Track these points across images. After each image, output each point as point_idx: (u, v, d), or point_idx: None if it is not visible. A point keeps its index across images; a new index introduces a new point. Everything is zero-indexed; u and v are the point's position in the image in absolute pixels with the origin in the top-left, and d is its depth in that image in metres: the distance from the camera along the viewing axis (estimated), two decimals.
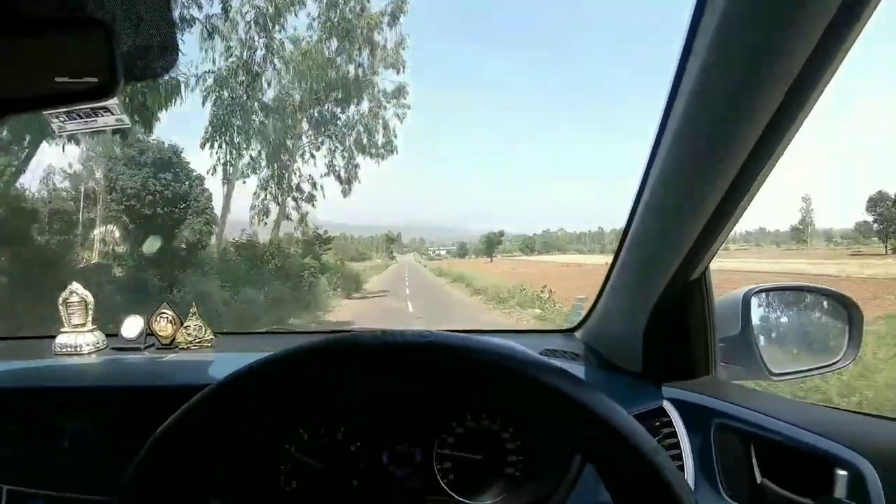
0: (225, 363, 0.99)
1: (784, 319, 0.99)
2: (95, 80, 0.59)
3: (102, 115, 0.90)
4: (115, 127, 0.91)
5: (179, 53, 0.73)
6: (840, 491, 0.64)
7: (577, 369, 0.99)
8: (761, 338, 0.93)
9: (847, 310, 0.97)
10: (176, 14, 0.67)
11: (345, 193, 10.86)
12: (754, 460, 0.77)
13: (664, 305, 0.86)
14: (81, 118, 0.91)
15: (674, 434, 0.84)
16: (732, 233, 0.79)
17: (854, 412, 0.82)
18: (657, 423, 0.84)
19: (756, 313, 0.93)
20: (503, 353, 0.47)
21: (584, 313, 1.12)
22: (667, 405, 0.86)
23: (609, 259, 0.98)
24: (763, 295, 0.95)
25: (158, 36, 0.72)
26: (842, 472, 0.64)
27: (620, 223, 0.90)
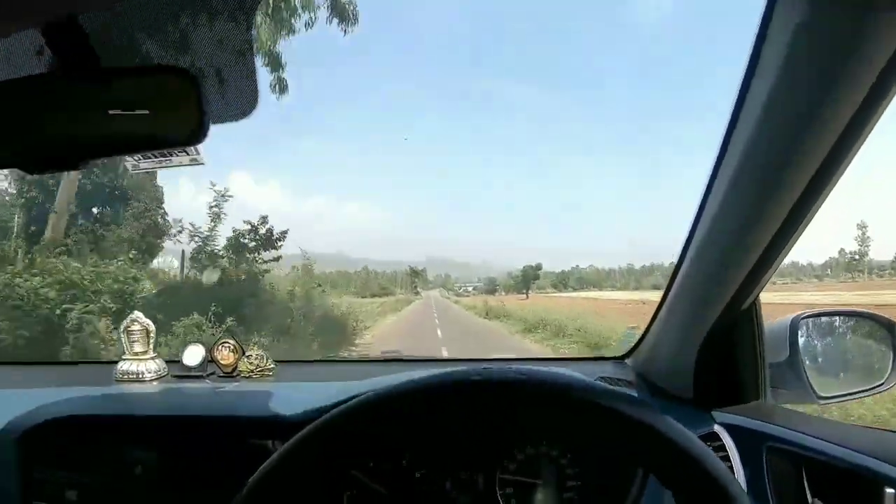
0: (286, 393, 1.02)
1: (830, 344, 1.01)
2: (179, 128, 0.62)
3: (177, 155, 0.93)
4: (189, 165, 0.94)
5: (259, 96, 0.77)
6: None
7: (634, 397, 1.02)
8: (808, 362, 0.95)
9: (891, 333, 0.99)
10: (257, 59, 0.71)
11: None
12: (806, 482, 0.79)
13: (716, 334, 0.89)
14: (156, 157, 0.94)
15: (727, 458, 0.86)
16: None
17: None
18: (710, 448, 0.87)
19: (803, 338, 0.96)
20: (597, 391, 0.51)
21: (634, 342, 1.14)
22: (719, 430, 0.89)
23: (649, 294, 1.01)
24: (809, 321, 0.97)
25: (241, 79, 0.75)
26: (891, 491, 0.67)
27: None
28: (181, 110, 0.60)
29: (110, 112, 0.60)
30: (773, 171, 0.67)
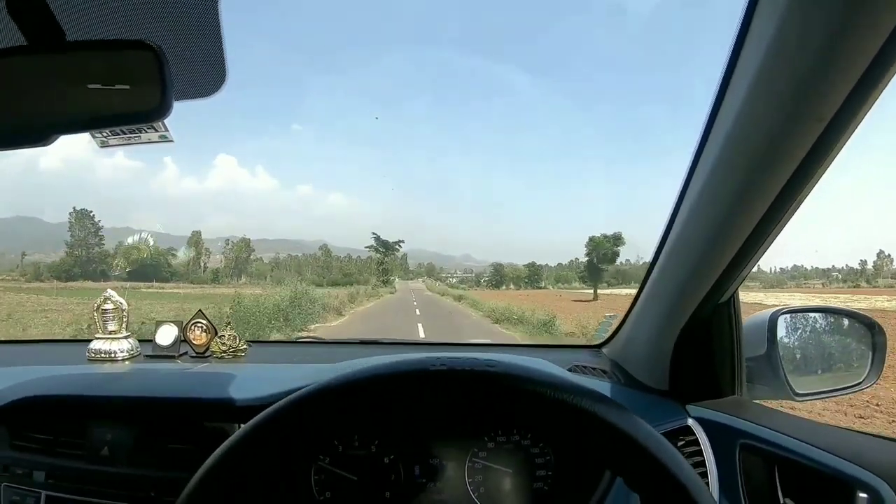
0: (257, 375, 1.01)
1: (809, 341, 1.00)
2: (144, 103, 0.60)
3: (146, 132, 0.91)
4: (158, 142, 0.92)
5: (227, 71, 0.74)
6: None
7: (604, 386, 1.01)
8: (786, 358, 0.94)
9: (871, 332, 0.98)
10: (224, 31, 0.69)
11: None
12: (778, 481, 0.78)
13: (693, 326, 0.88)
14: (125, 133, 0.92)
15: (699, 453, 0.85)
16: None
17: (876, 436, 0.83)
18: (682, 442, 0.86)
19: (782, 334, 0.95)
20: (561, 386, 0.50)
21: (611, 331, 1.13)
22: (692, 424, 0.88)
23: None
24: (789, 316, 0.96)
25: (207, 55, 0.73)
26: (862, 495, 0.66)
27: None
28: (145, 85, 0.58)
29: (76, 86, 0.59)
30: (752, 165, 0.66)
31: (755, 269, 0.84)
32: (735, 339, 0.90)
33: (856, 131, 0.62)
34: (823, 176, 0.68)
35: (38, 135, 0.61)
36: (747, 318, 0.95)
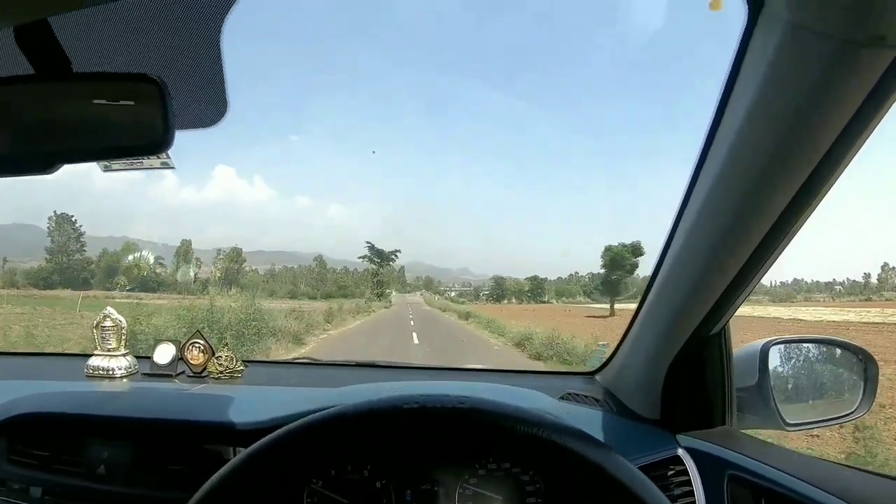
0: (253, 398, 1.01)
1: (801, 371, 1.01)
2: (146, 135, 0.61)
3: (148, 158, 0.94)
4: (160, 168, 0.94)
5: (228, 104, 0.76)
6: None
7: (596, 414, 1.02)
8: (778, 388, 0.95)
9: (863, 362, 0.99)
10: (225, 66, 0.71)
11: None
12: None
13: (685, 357, 0.88)
14: (128, 160, 0.95)
15: (688, 482, 0.86)
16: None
17: (863, 470, 0.84)
18: (672, 472, 0.86)
19: (774, 364, 0.95)
20: (544, 424, 0.51)
21: (604, 358, 1.14)
22: (682, 454, 0.88)
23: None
24: (781, 346, 0.97)
25: (208, 88, 0.75)
26: None
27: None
28: (149, 117, 0.60)
29: (80, 117, 0.61)
30: (747, 197, 0.67)
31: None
32: (725, 369, 0.91)
33: (844, 171, 0.63)
34: (816, 208, 0.69)
35: (43, 163, 0.61)
36: (739, 348, 0.95)
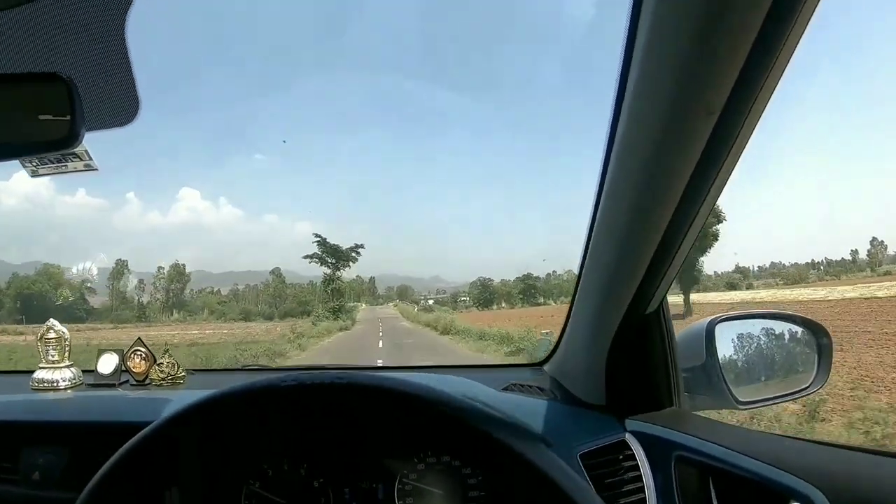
0: (191, 400, 1.00)
1: (751, 348, 0.99)
2: (57, 132, 0.62)
3: (72, 161, 0.94)
4: (84, 171, 0.94)
5: (140, 104, 0.76)
6: None
7: (540, 404, 0.99)
8: (728, 367, 0.93)
9: (816, 336, 0.96)
10: (136, 67, 0.72)
11: None
12: (713, 492, 0.77)
13: (623, 339, 0.86)
14: (52, 163, 0.95)
15: (636, 467, 0.84)
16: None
17: (809, 441, 0.82)
18: (620, 457, 0.84)
19: (722, 342, 0.93)
20: (409, 391, 0.49)
21: (551, 348, 1.11)
22: (629, 438, 0.86)
23: None
24: (728, 324, 0.94)
25: (120, 88, 0.75)
26: None
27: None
28: (58, 115, 0.61)
29: None
30: (649, 166, 0.65)
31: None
32: (668, 350, 0.89)
33: (755, 127, 0.61)
34: (731, 175, 0.67)
35: None
36: (685, 328, 0.93)
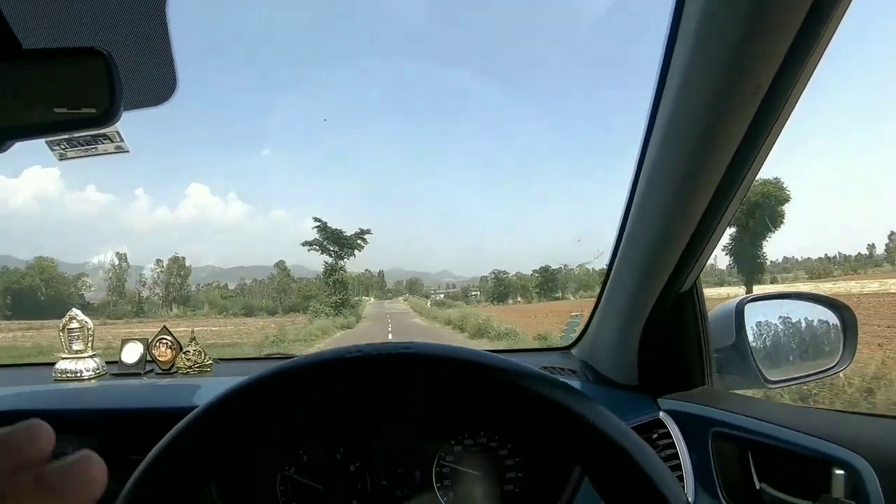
0: (223, 386, 0.99)
1: (779, 327, 1.00)
2: (94, 109, 0.61)
3: (102, 143, 0.92)
4: (115, 153, 0.93)
5: (178, 83, 0.76)
6: (838, 491, 0.65)
7: (573, 384, 1.00)
8: (757, 346, 0.93)
9: (841, 314, 0.97)
10: (175, 44, 0.72)
11: None
12: (752, 466, 0.77)
13: (657, 319, 0.87)
14: (82, 146, 0.93)
15: (672, 445, 0.84)
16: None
17: (850, 412, 0.82)
18: (655, 436, 0.85)
19: (750, 322, 0.94)
20: (496, 364, 0.48)
21: (579, 331, 1.12)
22: (664, 416, 0.86)
23: None
24: (756, 304, 0.95)
25: (158, 65, 0.74)
26: (839, 472, 0.65)
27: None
28: (96, 91, 0.60)
29: (28, 93, 0.61)
30: (694, 144, 0.66)
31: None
32: (701, 329, 0.89)
33: (798, 102, 0.62)
34: (769, 155, 0.68)
35: None
36: (714, 308, 0.94)
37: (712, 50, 0.58)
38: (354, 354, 0.49)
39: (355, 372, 0.49)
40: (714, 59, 0.58)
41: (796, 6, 0.51)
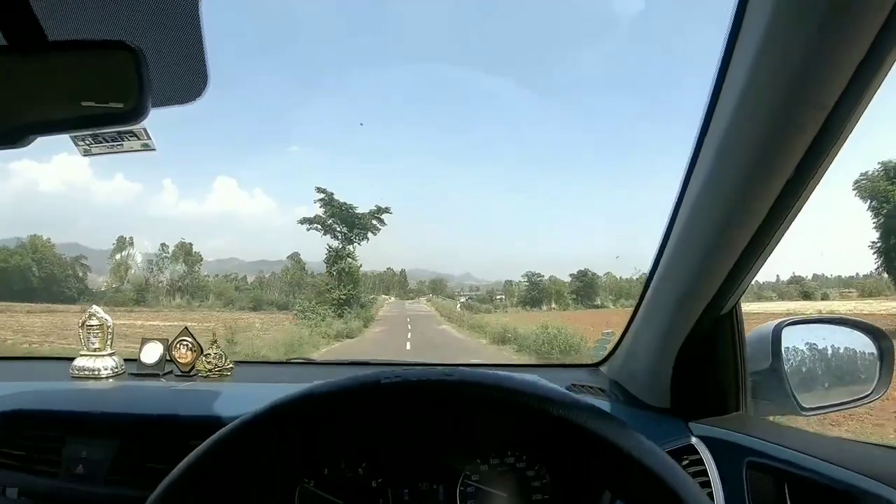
0: (243, 394, 0.98)
1: (815, 353, 0.97)
2: (122, 105, 0.59)
3: (128, 140, 0.90)
4: (140, 151, 0.91)
5: (209, 81, 0.73)
6: None
7: (603, 405, 0.98)
8: (792, 372, 0.91)
9: (879, 342, 0.95)
10: (207, 41, 0.70)
11: None
12: (788, 499, 0.75)
13: (694, 340, 0.84)
14: (107, 142, 0.92)
15: (704, 472, 0.82)
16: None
17: (887, 447, 0.80)
18: (686, 462, 0.82)
19: (787, 347, 0.91)
20: (534, 392, 0.46)
21: (609, 348, 1.10)
22: (696, 442, 0.84)
23: None
24: (793, 328, 0.93)
25: (188, 62, 0.72)
26: None
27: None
28: (124, 86, 0.59)
29: (54, 87, 0.58)
30: (748, 167, 0.63)
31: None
32: (738, 353, 0.87)
33: (859, 122, 0.60)
34: (822, 179, 0.65)
35: (15, 135, 0.59)
36: (750, 331, 0.91)
37: (775, 67, 0.56)
38: (392, 380, 0.47)
39: (393, 399, 0.47)
40: (776, 76, 0.56)
41: (872, 19, 0.49)
